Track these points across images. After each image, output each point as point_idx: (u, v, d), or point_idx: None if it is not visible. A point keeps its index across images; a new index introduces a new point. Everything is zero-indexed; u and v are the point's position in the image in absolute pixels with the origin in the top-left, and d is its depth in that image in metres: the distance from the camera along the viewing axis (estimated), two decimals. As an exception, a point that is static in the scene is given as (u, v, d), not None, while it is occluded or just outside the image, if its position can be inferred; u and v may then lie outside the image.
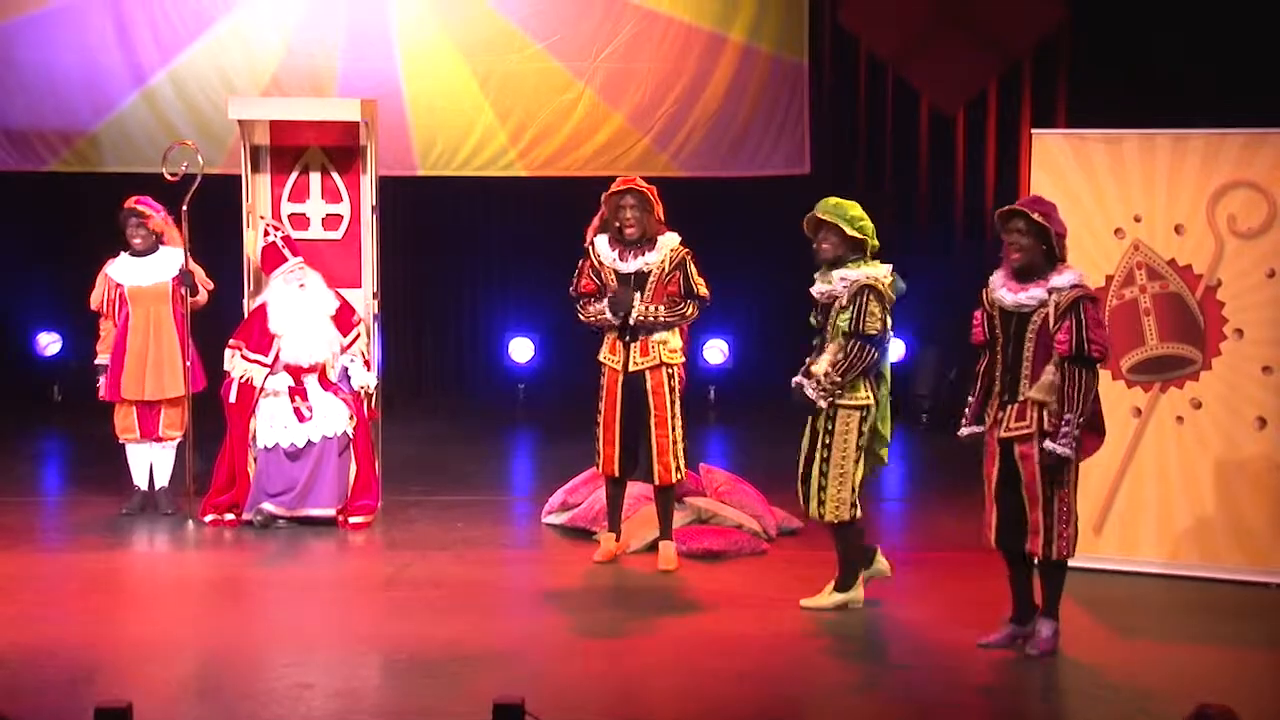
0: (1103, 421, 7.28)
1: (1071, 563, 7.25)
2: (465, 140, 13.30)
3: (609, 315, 8.57)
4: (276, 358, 9.55)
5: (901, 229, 13.01)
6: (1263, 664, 7.36)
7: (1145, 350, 8.45)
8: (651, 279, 8.54)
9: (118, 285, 9.68)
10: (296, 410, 9.45)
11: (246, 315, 9.78)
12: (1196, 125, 8.44)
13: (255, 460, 9.48)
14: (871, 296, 7.59)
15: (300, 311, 9.58)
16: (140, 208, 9.71)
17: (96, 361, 9.75)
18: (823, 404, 7.63)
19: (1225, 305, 8.31)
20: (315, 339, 9.59)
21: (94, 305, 9.76)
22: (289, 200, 10.00)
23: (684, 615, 7.91)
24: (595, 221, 8.70)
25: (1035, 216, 7.07)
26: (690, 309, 8.60)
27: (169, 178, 9.69)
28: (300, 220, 9.99)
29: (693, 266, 8.56)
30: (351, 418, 9.54)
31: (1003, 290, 7.17)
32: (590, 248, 8.66)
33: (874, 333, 7.59)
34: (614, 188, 8.61)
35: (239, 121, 9.94)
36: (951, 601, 8.03)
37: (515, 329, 13.92)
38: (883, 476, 9.08)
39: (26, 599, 8.12)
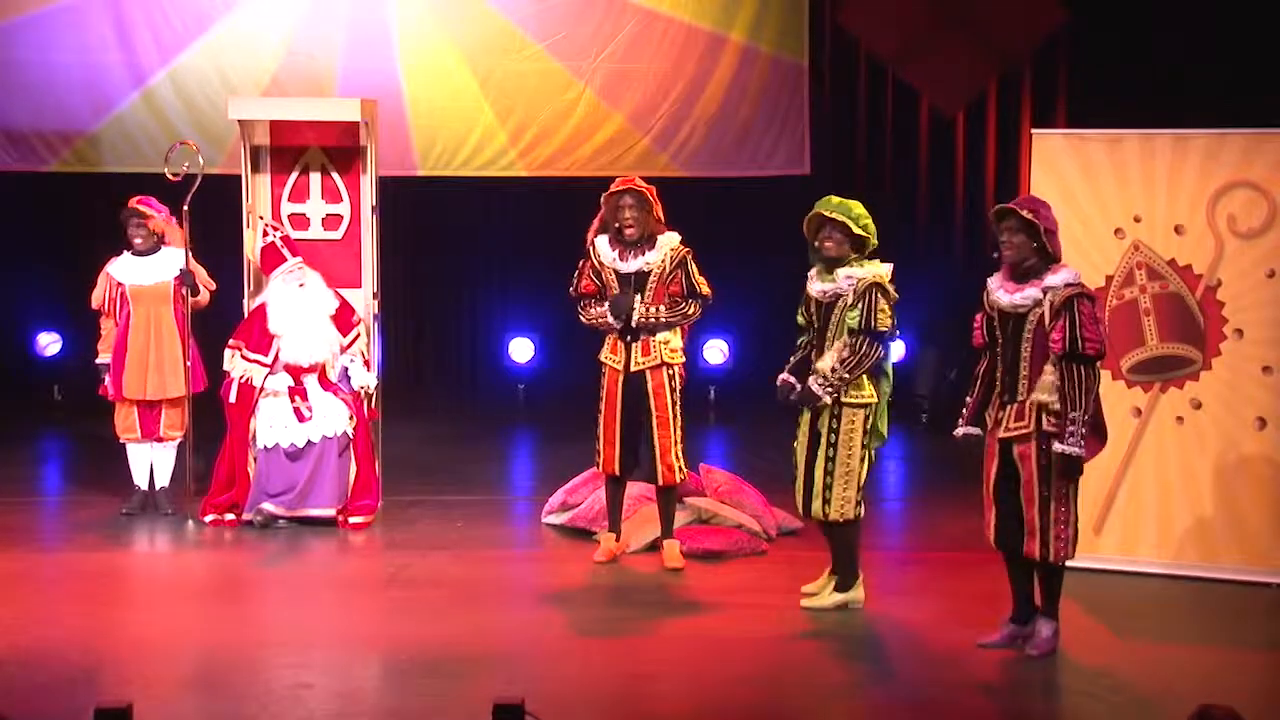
0: (1105, 425, 7.28)
1: (1071, 563, 7.24)
2: (465, 140, 13.30)
3: (610, 318, 8.58)
4: (276, 358, 9.55)
5: (901, 229, 13.02)
6: (1263, 664, 7.36)
7: (1145, 350, 8.45)
8: (652, 279, 8.54)
9: (119, 284, 9.68)
10: (296, 410, 9.45)
11: (246, 315, 9.78)
12: (1196, 125, 8.44)
13: (255, 460, 9.48)
14: (880, 294, 7.65)
15: (300, 311, 9.58)
16: (141, 208, 9.71)
17: (98, 360, 9.76)
18: (828, 400, 7.64)
19: (1225, 305, 8.31)
20: (315, 339, 9.59)
21: (95, 304, 9.76)
22: (289, 200, 10.00)
23: (684, 615, 7.91)
24: (595, 222, 8.70)
25: (1024, 213, 7.09)
26: (692, 308, 8.60)
27: (171, 178, 9.70)
28: (300, 220, 10.00)
29: (694, 265, 8.56)
30: (351, 418, 9.54)
31: (1000, 291, 7.19)
32: (591, 248, 8.66)
33: (884, 330, 7.65)
34: (613, 188, 8.61)
35: (239, 121, 9.94)
36: (951, 601, 8.03)
37: (515, 329, 13.93)
38: (883, 476, 9.10)
39: (26, 599, 8.12)
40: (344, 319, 9.72)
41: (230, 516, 9.50)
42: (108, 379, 9.68)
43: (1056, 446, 6.99)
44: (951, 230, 13.74)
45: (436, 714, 6.52)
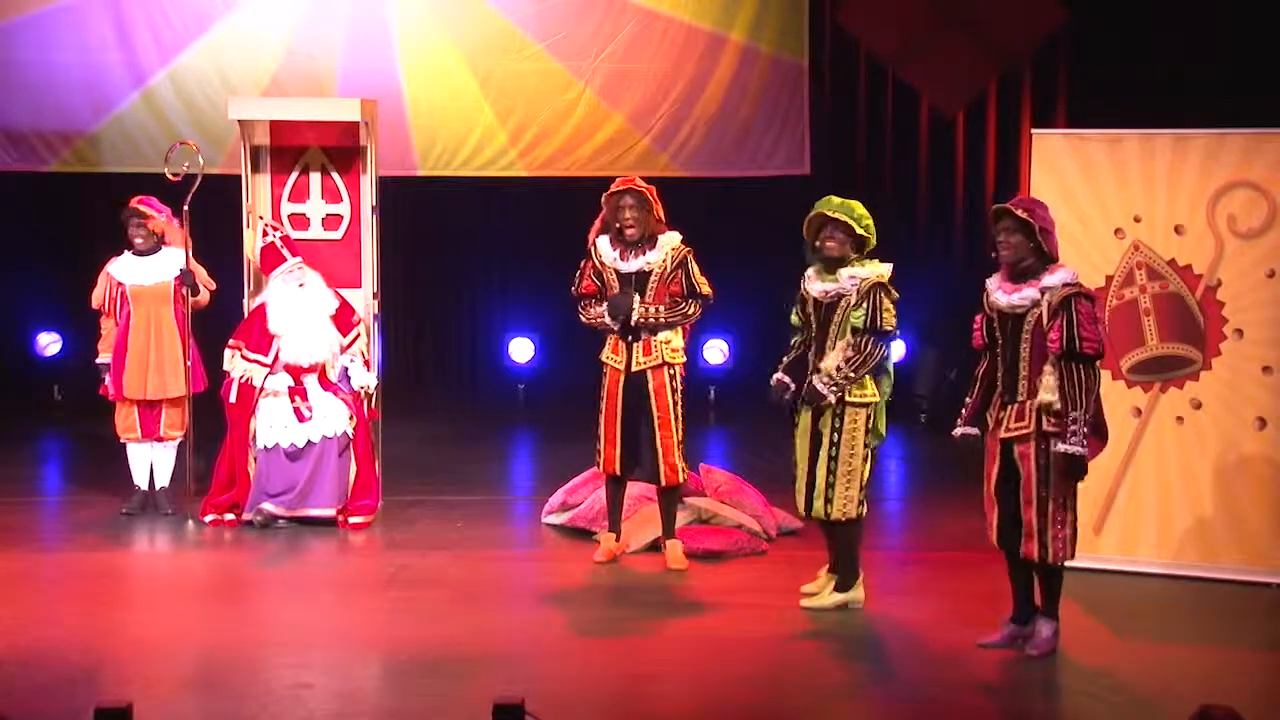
0: (1105, 425, 7.28)
1: (1071, 563, 7.24)
2: (465, 140, 13.30)
3: (607, 319, 8.58)
4: (276, 358, 9.55)
5: (901, 229, 13.02)
6: (1263, 664, 7.36)
7: (1145, 350, 8.45)
8: (653, 278, 8.54)
9: (119, 284, 9.68)
10: (296, 410, 9.45)
11: (246, 315, 9.78)
12: (1196, 125, 8.44)
13: (255, 460, 9.48)
14: (884, 294, 7.68)
15: (300, 311, 9.58)
16: (142, 208, 9.71)
17: (98, 360, 9.76)
18: (833, 399, 7.65)
19: (1225, 305, 8.31)
20: (315, 339, 9.59)
21: (95, 304, 9.76)
22: (289, 200, 10.00)
23: (684, 615, 7.91)
24: (597, 223, 8.70)
25: (1019, 213, 7.09)
26: (693, 308, 8.59)
27: (171, 178, 9.70)
28: (300, 220, 9.99)
29: (694, 265, 8.56)
30: (351, 418, 9.54)
31: (998, 292, 7.20)
32: (592, 248, 8.66)
33: (890, 329, 7.69)
34: (613, 188, 8.61)
35: (239, 121, 9.94)
36: (951, 601, 8.03)
37: (515, 329, 13.93)
38: (883, 476, 9.10)
39: (26, 599, 8.12)
40: (344, 319, 9.72)
41: (230, 516, 9.50)
42: (108, 379, 9.68)
43: (1059, 446, 6.98)
44: (951, 230, 13.75)
45: (436, 714, 6.52)
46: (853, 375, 7.65)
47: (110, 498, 9.98)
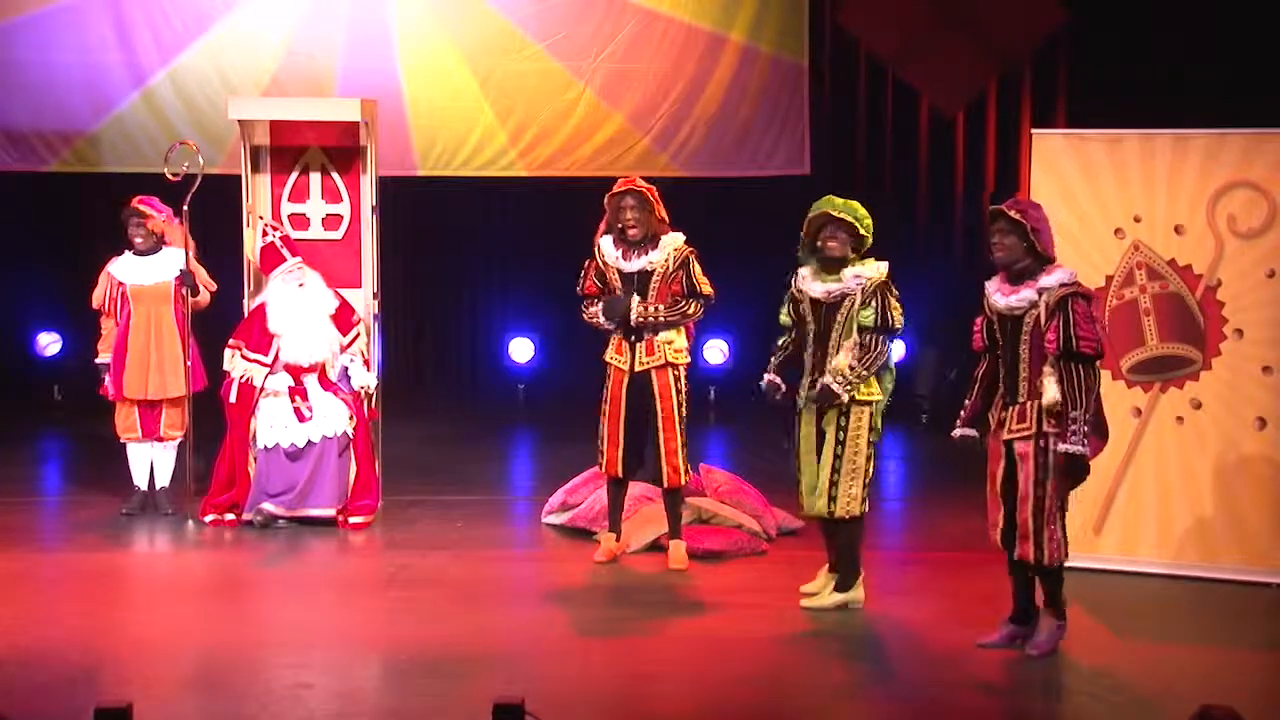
0: (1105, 424, 7.28)
1: (1071, 563, 7.24)
2: (465, 140, 13.31)
3: (601, 319, 8.59)
4: (276, 357, 9.55)
5: (901, 229, 13.03)
6: (1263, 664, 7.36)
7: (1145, 350, 8.45)
8: (655, 278, 8.54)
9: (119, 284, 9.68)
10: (296, 410, 9.45)
11: (246, 315, 9.78)
12: (1196, 125, 8.44)
13: (255, 460, 9.48)
14: (890, 292, 7.72)
15: (299, 311, 9.58)
16: (142, 207, 9.71)
17: (98, 360, 9.76)
18: (846, 398, 7.67)
19: (1225, 305, 8.31)
20: (315, 338, 9.59)
21: (96, 303, 9.76)
22: (289, 200, 10.00)
23: (684, 615, 7.90)
24: (602, 223, 8.71)
25: (1011, 213, 7.10)
26: (693, 308, 8.59)
27: (171, 178, 9.70)
28: (300, 220, 9.99)
29: (696, 265, 8.56)
30: (351, 418, 9.54)
31: (996, 295, 7.20)
32: (596, 248, 8.67)
33: (899, 327, 7.74)
34: (615, 188, 8.62)
35: (239, 121, 9.94)
36: (951, 601, 8.03)
37: (515, 329, 13.93)
38: (883, 476, 9.10)
39: (26, 599, 8.12)
40: (344, 319, 9.72)
41: (230, 516, 9.50)
42: (107, 379, 9.68)
43: (1060, 446, 6.98)
44: (951, 230, 13.75)
45: (436, 714, 6.52)
46: (865, 373, 7.69)
47: (110, 498, 9.98)
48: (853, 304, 7.71)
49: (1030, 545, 7.08)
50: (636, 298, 8.53)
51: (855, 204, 7.78)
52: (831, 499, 7.73)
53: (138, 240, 9.69)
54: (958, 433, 7.37)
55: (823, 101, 13.55)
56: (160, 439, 9.76)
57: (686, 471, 8.67)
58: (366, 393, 9.67)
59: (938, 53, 13.23)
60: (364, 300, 9.91)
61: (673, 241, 8.57)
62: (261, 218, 9.88)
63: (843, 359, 7.69)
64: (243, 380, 9.51)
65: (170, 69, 13.07)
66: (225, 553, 9.12)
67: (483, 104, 13.26)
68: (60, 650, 7.19)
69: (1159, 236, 8.40)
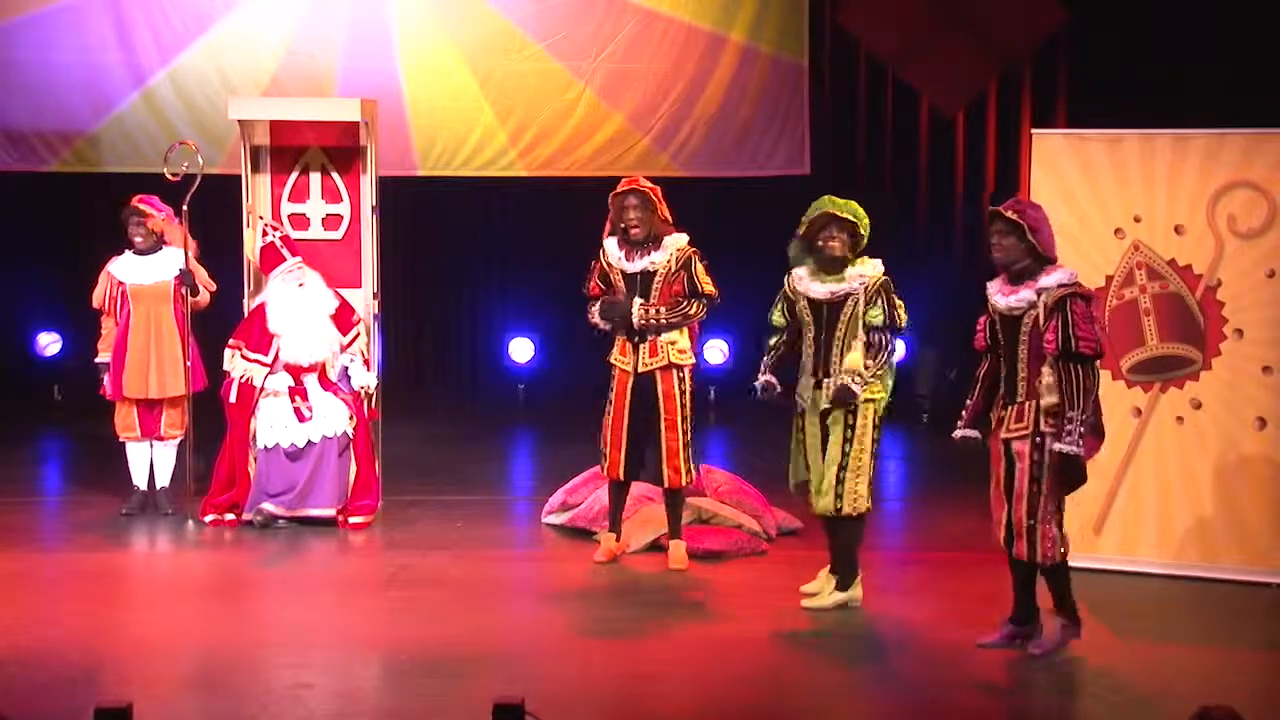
0: (1102, 424, 7.27)
1: (1071, 563, 7.23)
2: (465, 140, 13.30)
3: (599, 321, 8.60)
4: (276, 357, 9.55)
5: (901, 229, 13.03)
6: (1263, 664, 7.36)
7: (1145, 350, 8.45)
8: (658, 279, 8.54)
9: (119, 283, 9.68)
10: (297, 410, 9.45)
11: (246, 315, 9.78)
12: (1196, 125, 8.44)
13: (255, 460, 9.48)
14: (892, 291, 7.77)
15: (299, 311, 9.58)
16: (142, 206, 9.71)
17: (97, 359, 9.76)
18: (863, 396, 7.71)
19: (1225, 305, 8.31)
20: (315, 338, 9.59)
21: (96, 303, 9.76)
22: (289, 200, 10.00)
23: (684, 615, 7.91)
24: (607, 225, 8.71)
25: (1009, 214, 7.10)
26: (694, 308, 8.59)
27: (170, 178, 9.70)
28: (300, 220, 9.99)
29: (699, 265, 8.56)
30: (351, 418, 9.54)
31: (997, 295, 7.20)
32: (601, 250, 8.67)
33: (905, 325, 7.78)
34: (618, 188, 8.62)
35: (239, 121, 9.94)
36: (951, 601, 8.03)
37: (515, 329, 13.93)
38: (883, 476, 9.10)
39: (26, 599, 8.12)
40: (343, 318, 9.72)
41: (230, 516, 9.50)
42: (106, 378, 9.68)
43: (1055, 446, 6.98)
44: (951, 230, 13.75)
45: (436, 714, 6.52)
46: (879, 372, 7.72)
47: (110, 498, 9.98)
48: (856, 303, 7.72)
49: (1024, 544, 7.08)
50: (638, 299, 8.53)
51: (854, 204, 7.80)
52: (838, 496, 7.75)
53: (137, 239, 9.69)
54: (959, 433, 7.37)
55: (823, 101, 13.55)
56: (160, 438, 9.76)
57: (689, 472, 8.66)
58: (366, 393, 9.66)
59: (938, 53, 13.23)
60: (364, 300, 9.90)
61: (675, 242, 8.57)
62: (261, 218, 9.88)
63: (856, 359, 7.71)
64: (243, 380, 9.51)
65: (170, 69, 13.07)
66: (225, 553, 9.12)
67: (483, 104, 13.26)
68: (60, 650, 7.20)
69: (1159, 236, 8.40)
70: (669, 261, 8.53)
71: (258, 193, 9.98)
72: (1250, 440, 8.30)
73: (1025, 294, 7.08)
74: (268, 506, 9.39)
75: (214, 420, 9.75)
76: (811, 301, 7.82)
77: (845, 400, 7.70)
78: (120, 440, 9.79)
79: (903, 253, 11.29)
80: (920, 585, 8.49)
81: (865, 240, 7.79)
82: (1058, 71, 13.30)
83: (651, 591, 8.26)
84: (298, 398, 9.48)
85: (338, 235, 10.01)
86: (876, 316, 7.72)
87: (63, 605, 8.02)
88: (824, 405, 7.76)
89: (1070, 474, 7.03)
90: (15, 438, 12.19)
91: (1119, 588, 8.28)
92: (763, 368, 7.98)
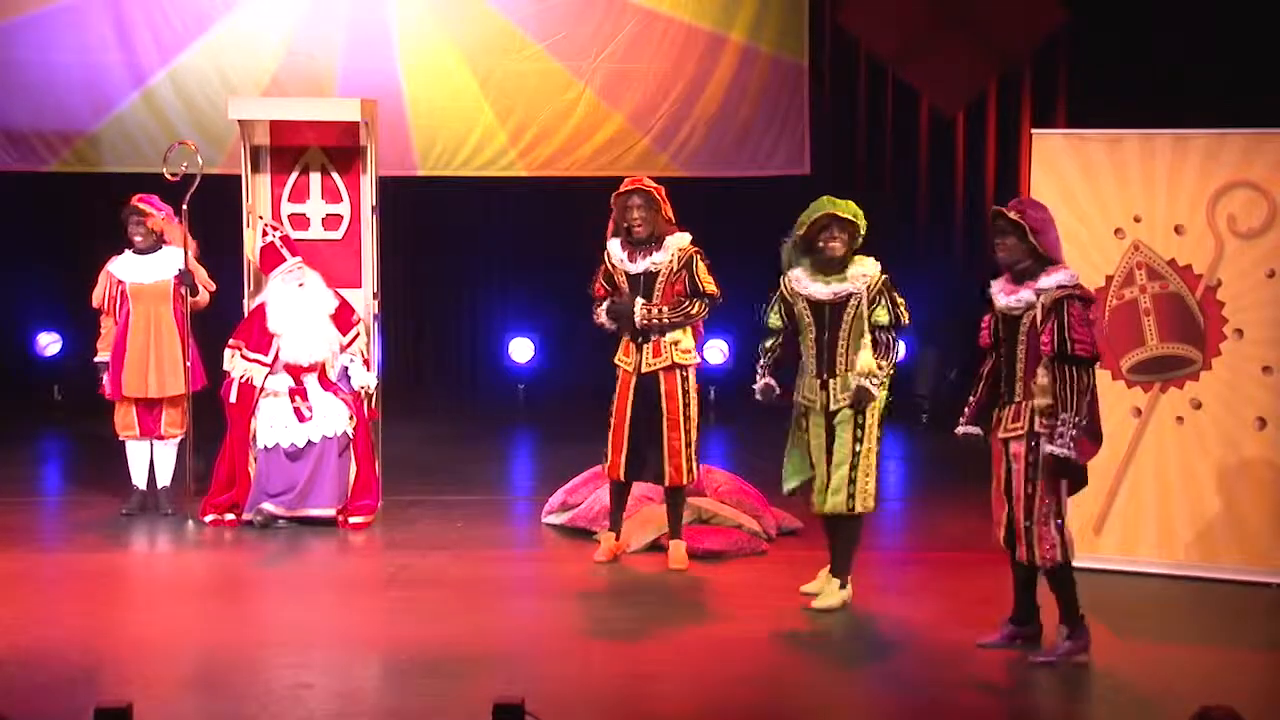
0: (1100, 428, 7.21)
1: (1072, 562, 7.23)
2: (465, 140, 13.30)
3: (604, 319, 8.61)
4: (276, 357, 9.55)
5: (901, 229, 13.03)
6: (1263, 664, 7.36)
7: (1145, 350, 8.45)
8: (660, 279, 8.54)
9: (119, 282, 9.68)
10: (297, 410, 9.45)
11: (246, 315, 9.78)
12: (1196, 125, 8.44)
13: (255, 460, 9.48)
14: (894, 289, 7.80)
15: (299, 311, 9.58)
16: (142, 206, 9.71)
17: (96, 359, 9.76)
18: (879, 396, 7.75)
19: (1225, 305, 8.31)
20: (315, 338, 9.59)
21: (95, 303, 9.76)
22: (289, 200, 10.00)
23: (684, 615, 7.90)
24: (610, 225, 8.71)
25: (1011, 215, 7.10)
26: (696, 307, 8.59)
27: (169, 178, 9.70)
28: (300, 220, 9.99)
29: (701, 265, 8.56)
30: (351, 418, 9.54)
31: (1000, 294, 7.20)
32: (605, 251, 8.68)
33: (908, 322, 7.82)
34: (622, 188, 8.62)
35: (239, 121, 9.94)
36: (951, 601, 8.03)
37: (515, 329, 13.93)
38: (883, 476, 9.06)
39: (26, 599, 8.12)
40: (343, 318, 9.71)
41: (230, 516, 9.50)
42: (105, 377, 9.68)
43: (1045, 447, 6.97)
44: (951, 230, 13.75)
45: (436, 714, 6.52)
46: (891, 371, 7.78)
47: (110, 498, 9.98)
48: (859, 303, 7.72)
49: (1023, 546, 7.08)
50: (640, 299, 8.53)
51: (851, 204, 7.81)
52: (851, 495, 7.76)
53: (137, 239, 9.69)
54: (961, 430, 7.38)
55: (823, 101, 13.55)
56: (160, 438, 9.75)
57: (691, 472, 8.66)
58: (366, 393, 9.66)
59: (938, 53, 13.23)
60: (364, 300, 9.90)
61: (677, 242, 8.58)
62: (261, 218, 9.88)
63: (869, 359, 7.74)
64: (243, 380, 9.51)
65: (170, 69, 13.07)
66: (225, 553, 9.12)
67: (483, 104, 13.26)
68: (60, 650, 7.20)
69: (1159, 236, 8.40)
70: (671, 261, 8.53)
71: (258, 193, 9.98)
72: (1250, 440, 8.30)
73: (1025, 294, 7.08)
74: (268, 506, 9.39)
75: (214, 420, 9.75)
76: (812, 302, 7.81)
77: (864, 402, 7.72)
78: (120, 439, 9.79)
79: (903, 253, 11.30)
80: (920, 585, 8.49)
81: (861, 240, 7.81)
82: (1058, 71, 13.30)
83: (651, 591, 8.26)
84: (298, 398, 9.48)
85: (338, 235, 10.01)
86: (882, 316, 7.74)
87: (63, 605, 8.02)
88: (834, 406, 7.76)
89: (1061, 476, 7.01)
90: (15, 438, 12.19)
91: (1119, 588, 8.27)
92: (760, 371, 7.97)
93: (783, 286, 7.92)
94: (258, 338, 9.58)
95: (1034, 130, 9.09)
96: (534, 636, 7.58)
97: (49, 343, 13.56)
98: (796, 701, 6.77)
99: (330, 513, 9.45)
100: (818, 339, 7.82)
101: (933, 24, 13.24)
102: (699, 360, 8.74)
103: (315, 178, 10.00)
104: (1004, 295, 7.16)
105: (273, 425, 9.43)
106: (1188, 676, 6.96)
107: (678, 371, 8.58)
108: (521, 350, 13.86)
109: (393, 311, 12.15)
